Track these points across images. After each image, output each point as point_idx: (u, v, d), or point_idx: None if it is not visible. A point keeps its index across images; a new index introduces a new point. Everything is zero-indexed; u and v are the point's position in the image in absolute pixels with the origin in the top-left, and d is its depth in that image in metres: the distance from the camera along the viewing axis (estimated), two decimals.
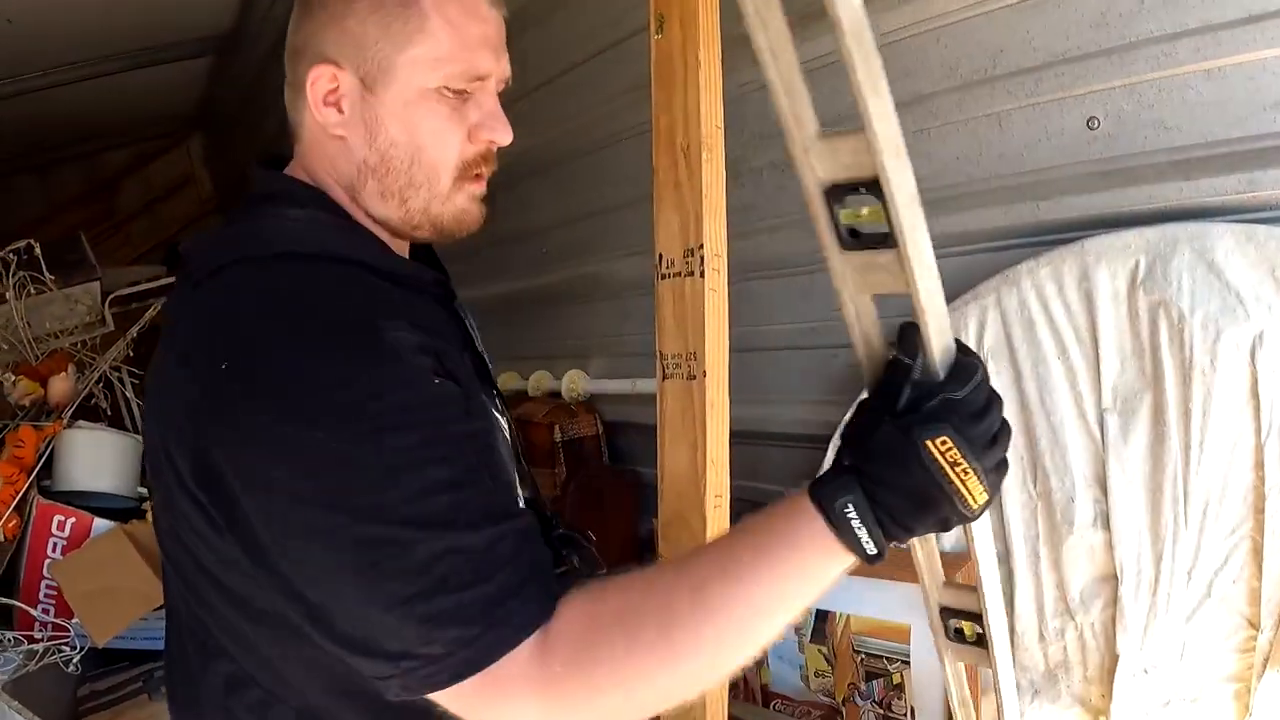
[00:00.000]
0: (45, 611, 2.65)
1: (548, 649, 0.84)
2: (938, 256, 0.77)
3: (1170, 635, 1.52)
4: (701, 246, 1.31)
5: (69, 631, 2.58)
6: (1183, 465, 1.48)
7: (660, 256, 1.35)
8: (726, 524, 1.34)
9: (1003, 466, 0.84)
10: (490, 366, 1.20)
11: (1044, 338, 1.63)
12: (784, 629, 0.87)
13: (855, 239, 0.79)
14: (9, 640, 2.51)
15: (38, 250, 3.29)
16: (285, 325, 0.93)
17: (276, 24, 4.30)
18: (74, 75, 4.66)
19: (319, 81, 1.09)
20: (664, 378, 1.34)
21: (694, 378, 1.30)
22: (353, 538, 0.83)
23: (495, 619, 0.83)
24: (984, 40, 1.65)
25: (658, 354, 1.34)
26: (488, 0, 1.11)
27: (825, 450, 1.93)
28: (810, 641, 1.87)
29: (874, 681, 1.78)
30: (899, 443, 0.79)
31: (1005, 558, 1.68)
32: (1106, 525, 1.57)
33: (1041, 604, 1.67)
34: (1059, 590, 1.65)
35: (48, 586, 2.66)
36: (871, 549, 0.82)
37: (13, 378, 2.96)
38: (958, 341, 0.83)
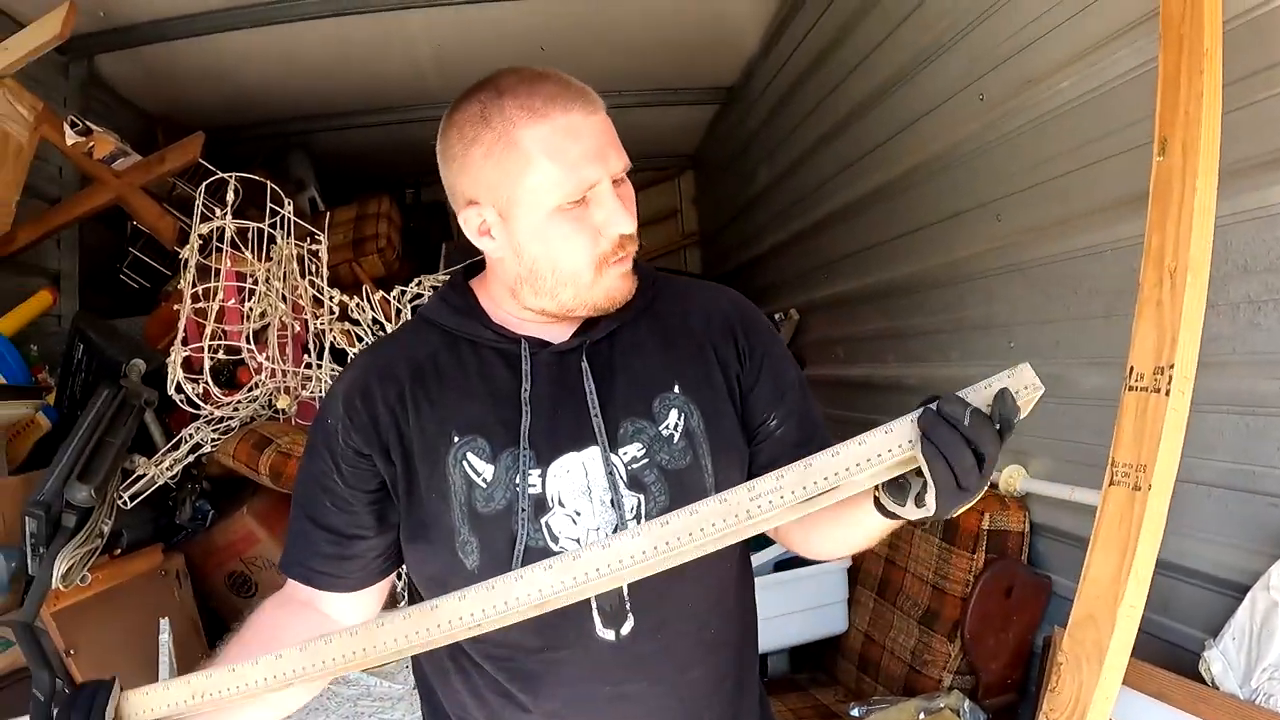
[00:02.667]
0: None
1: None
2: None
3: None
4: (1172, 366, 1.34)
5: None
6: None
7: (1131, 369, 1.39)
8: (1133, 635, 1.35)
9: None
10: (594, 415, 1.35)
11: None
12: None
13: None
14: None
15: None
16: None
17: (778, 85, 4.66)
18: None
19: (470, 220, 1.35)
20: (1110, 483, 1.38)
21: (1139, 489, 1.32)
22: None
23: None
24: None
25: (1110, 460, 1.38)
26: (582, 112, 1.29)
27: (1241, 599, 1.84)
28: None
29: None
30: None
31: None
32: None
33: None
34: None
35: None
36: None
37: None
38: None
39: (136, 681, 2.46)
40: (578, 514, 1.33)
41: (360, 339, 3.00)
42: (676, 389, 1.39)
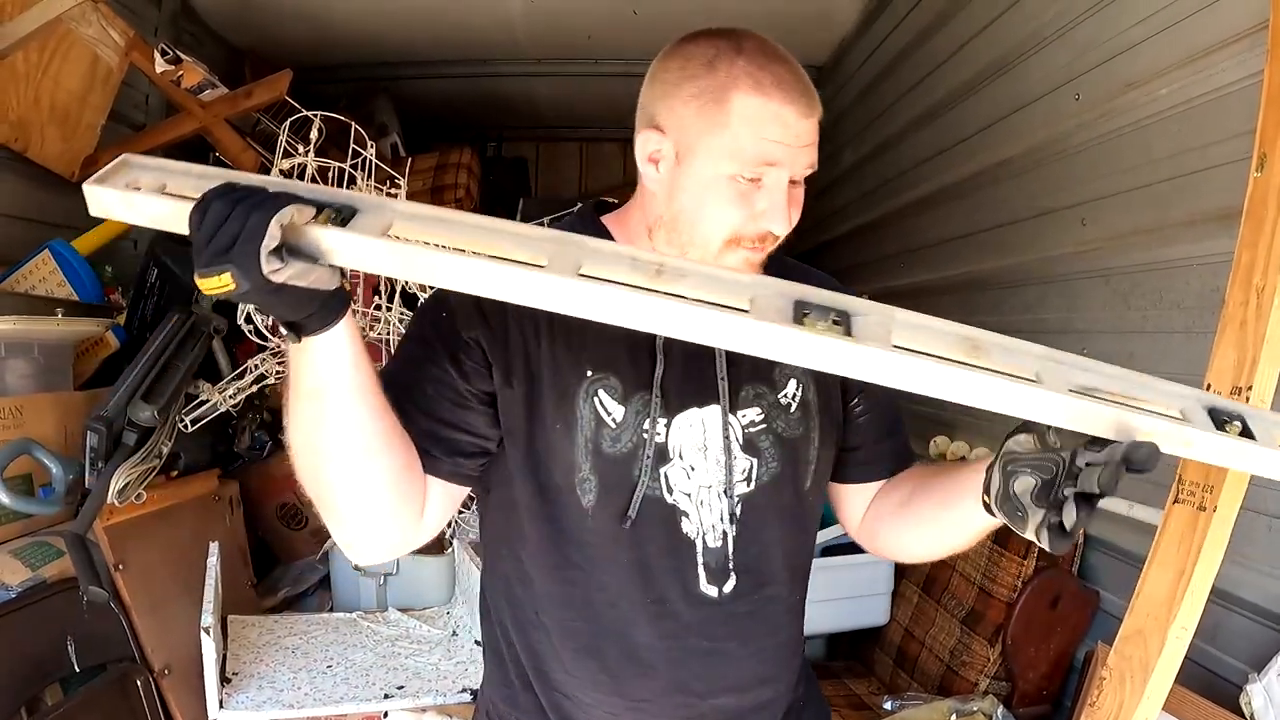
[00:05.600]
0: None
1: None
2: None
3: None
4: (1250, 388, 1.31)
5: None
6: None
7: (1208, 386, 1.36)
8: (1181, 657, 1.33)
9: (228, 250, 0.95)
10: (721, 375, 1.35)
11: None
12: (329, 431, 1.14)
13: None
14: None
15: None
16: None
17: (870, 67, 4.60)
18: None
19: (647, 142, 1.32)
20: (1175, 500, 1.35)
21: (1204, 509, 1.30)
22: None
23: None
24: None
25: (1177, 477, 1.35)
26: (797, 110, 1.26)
27: None
28: None
29: None
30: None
31: None
32: None
33: None
34: None
35: None
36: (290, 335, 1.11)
37: None
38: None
39: (182, 604, 2.51)
40: (692, 469, 1.34)
41: (430, 287, 3.02)
42: (776, 366, 1.40)
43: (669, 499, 1.33)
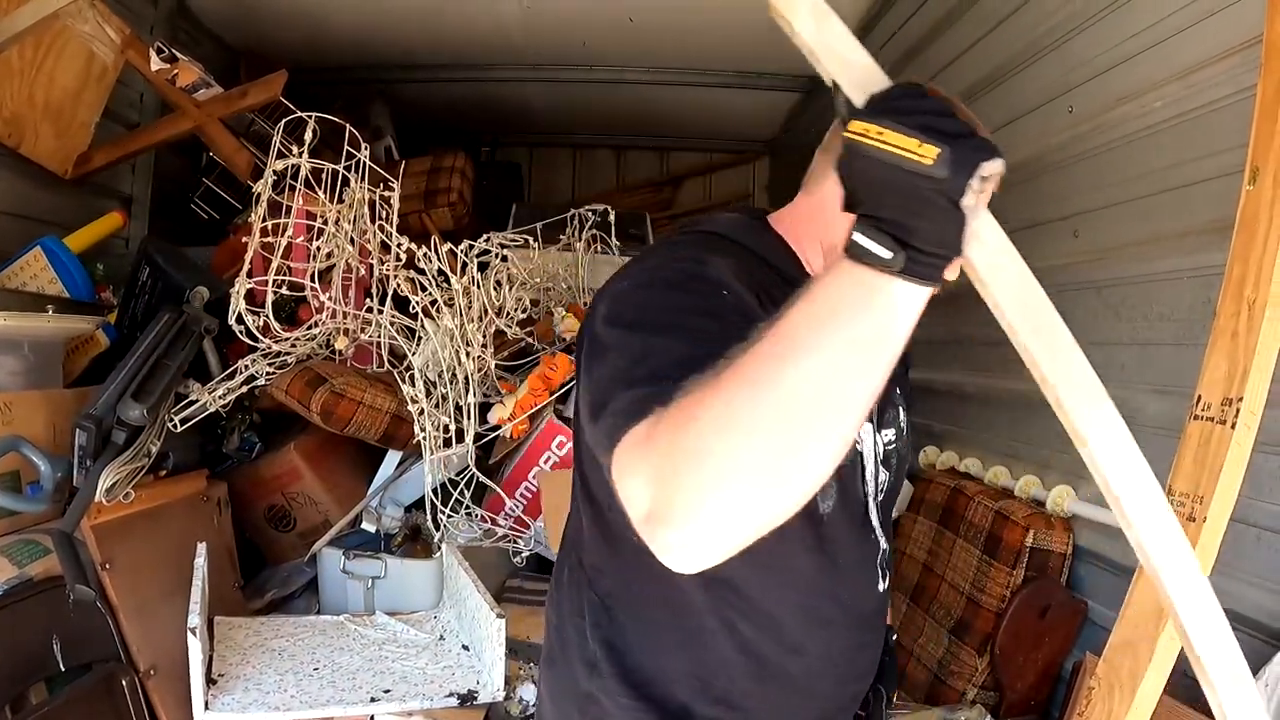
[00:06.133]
0: (515, 507, 3.13)
1: (652, 423, 0.95)
2: None
3: None
4: (1241, 400, 1.32)
5: (528, 530, 3.02)
6: None
7: (1199, 398, 1.37)
8: (1169, 668, 1.33)
9: (964, 139, 0.86)
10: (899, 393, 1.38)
11: None
12: (868, 387, 0.88)
13: None
14: (476, 515, 3.00)
15: (611, 217, 3.78)
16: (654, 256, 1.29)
17: None
18: (676, 79, 5.22)
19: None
20: None
21: (1194, 520, 1.30)
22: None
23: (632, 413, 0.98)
24: None
25: (1167, 488, 1.36)
26: None
27: (1279, 648, 1.80)
28: None
29: None
30: (844, 156, 0.89)
31: None
32: None
33: None
34: None
35: (527, 489, 3.13)
36: (882, 251, 0.85)
37: (563, 312, 3.46)
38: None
39: (169, 604, 2.50)
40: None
41: (423, 288, 3.02)
42: (899, 389, 1.46)
43: (870, 505, 1.38)
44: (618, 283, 1.25)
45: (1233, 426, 1.30)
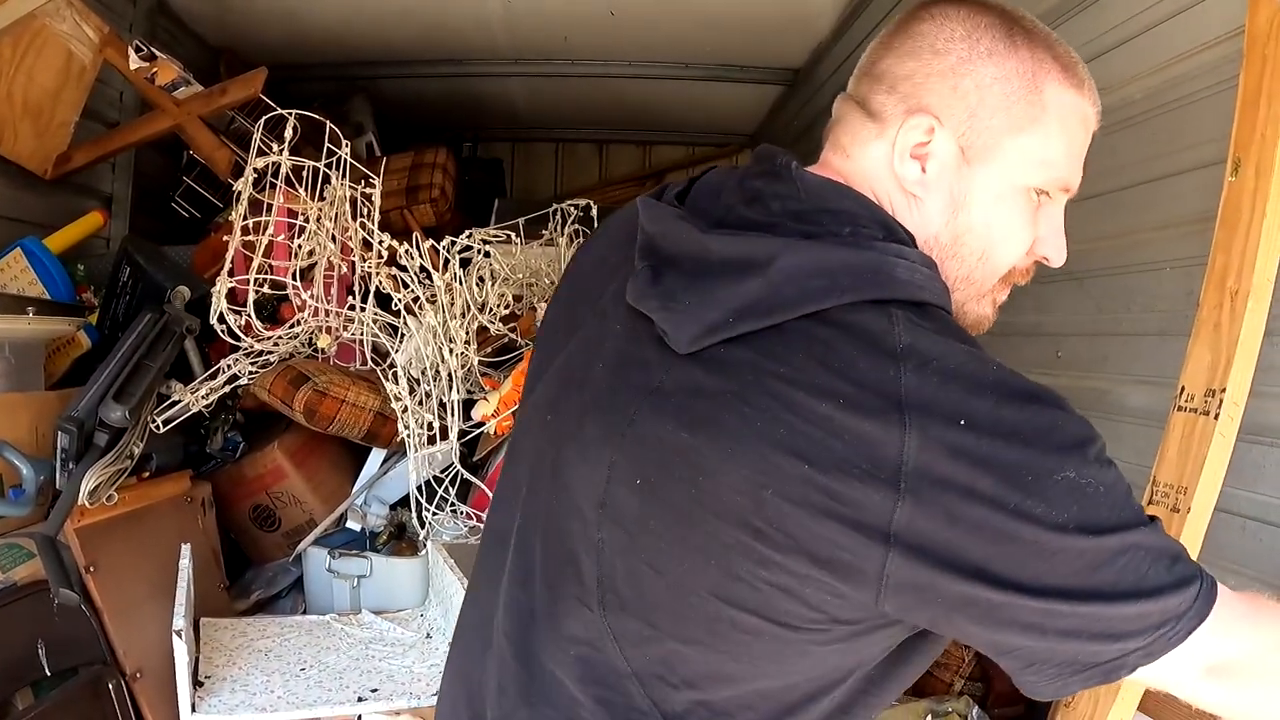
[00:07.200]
0: None
1: (1224, 603, 0.94)
2: None
3: None
4: (1224, 390, 1.32)
5: None
6: None
7: (1182, 389, 1.38)
8: None
9: None
10: None
11: None
12: None
13: None
14: (461, 511, 2.99)
15: (594, 211, 3.77)
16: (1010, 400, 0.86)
17: (845, 71, 4.58)
18: (659, 73, 5.21)
19: (914, 131, 1.02)
20: (1149, 502, 1.37)
21: (1178, 511, 1.31)
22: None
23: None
24: None
25: (1151, 479, 1.37)
26: (1098, 114, 1.08)
27: None
28: None
29: None
30: None
31: None
32: None
33: None
34: None
35: None
36: None
37: (544, 307, 3.47)
38: None
39: (154, 606, 2.49)
40: None
41: (406, 285, 3.01)
42: None
43: None
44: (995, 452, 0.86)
45: (1216, 417, 1.31)
